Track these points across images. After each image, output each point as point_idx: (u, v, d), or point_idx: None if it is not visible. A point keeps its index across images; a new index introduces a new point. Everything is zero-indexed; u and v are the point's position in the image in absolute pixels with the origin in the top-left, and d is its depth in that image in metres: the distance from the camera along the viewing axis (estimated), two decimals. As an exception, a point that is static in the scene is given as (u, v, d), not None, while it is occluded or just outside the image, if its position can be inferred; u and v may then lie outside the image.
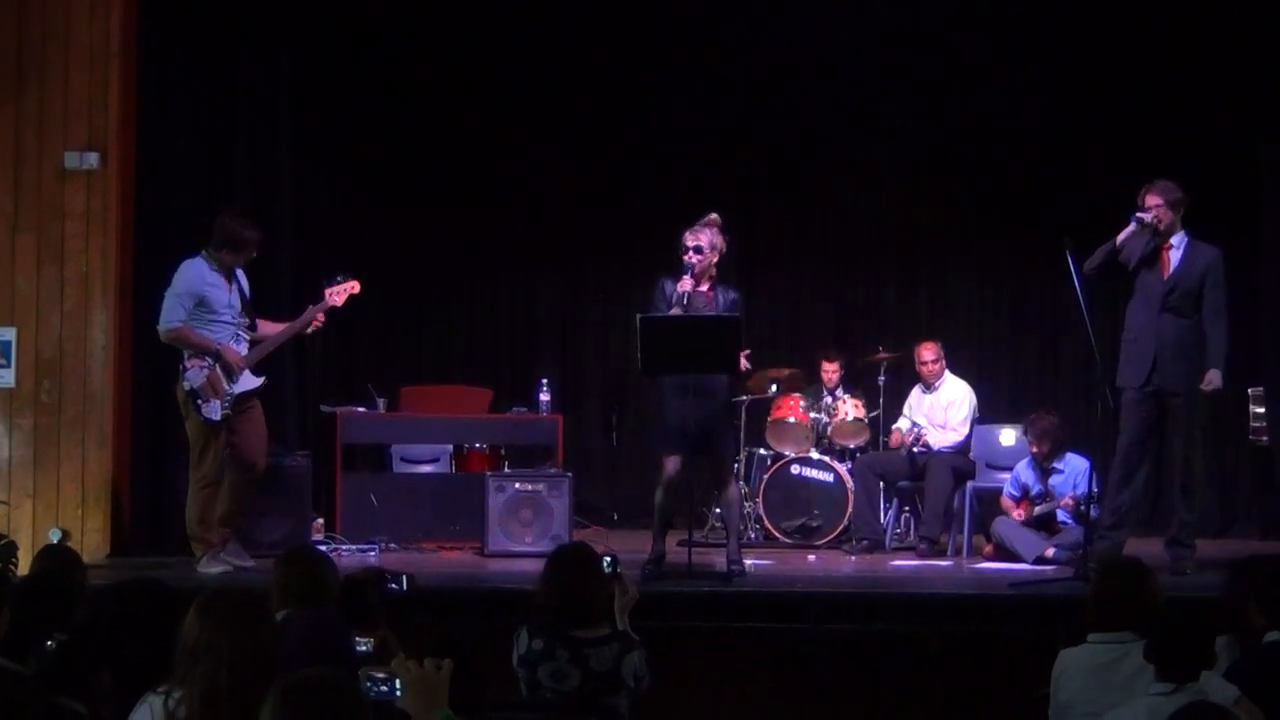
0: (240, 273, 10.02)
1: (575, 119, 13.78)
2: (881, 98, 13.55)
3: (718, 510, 12.46)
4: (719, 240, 9.68)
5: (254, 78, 11.74)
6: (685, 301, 9.45)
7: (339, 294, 10.23)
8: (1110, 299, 11.58)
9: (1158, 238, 9.71)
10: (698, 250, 9.57)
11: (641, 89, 13.59)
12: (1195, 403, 9.74)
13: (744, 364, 9.57)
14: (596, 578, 6.13)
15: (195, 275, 9.76)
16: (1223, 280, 9.72)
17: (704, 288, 9.61)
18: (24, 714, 3.72)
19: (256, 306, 10.21)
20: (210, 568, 9.65)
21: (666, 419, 9.62)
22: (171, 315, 9.74)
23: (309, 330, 10.26)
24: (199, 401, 9.72)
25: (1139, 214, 9.66)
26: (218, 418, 9.76)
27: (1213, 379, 9.64)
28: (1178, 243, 9.76)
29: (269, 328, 10.17)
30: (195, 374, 9.72)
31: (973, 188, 13.62)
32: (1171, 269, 9.72)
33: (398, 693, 4.11)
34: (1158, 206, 9.66)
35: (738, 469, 12.65)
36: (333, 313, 10.31)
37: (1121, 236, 9.71)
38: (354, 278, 10.28)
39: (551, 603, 6.02)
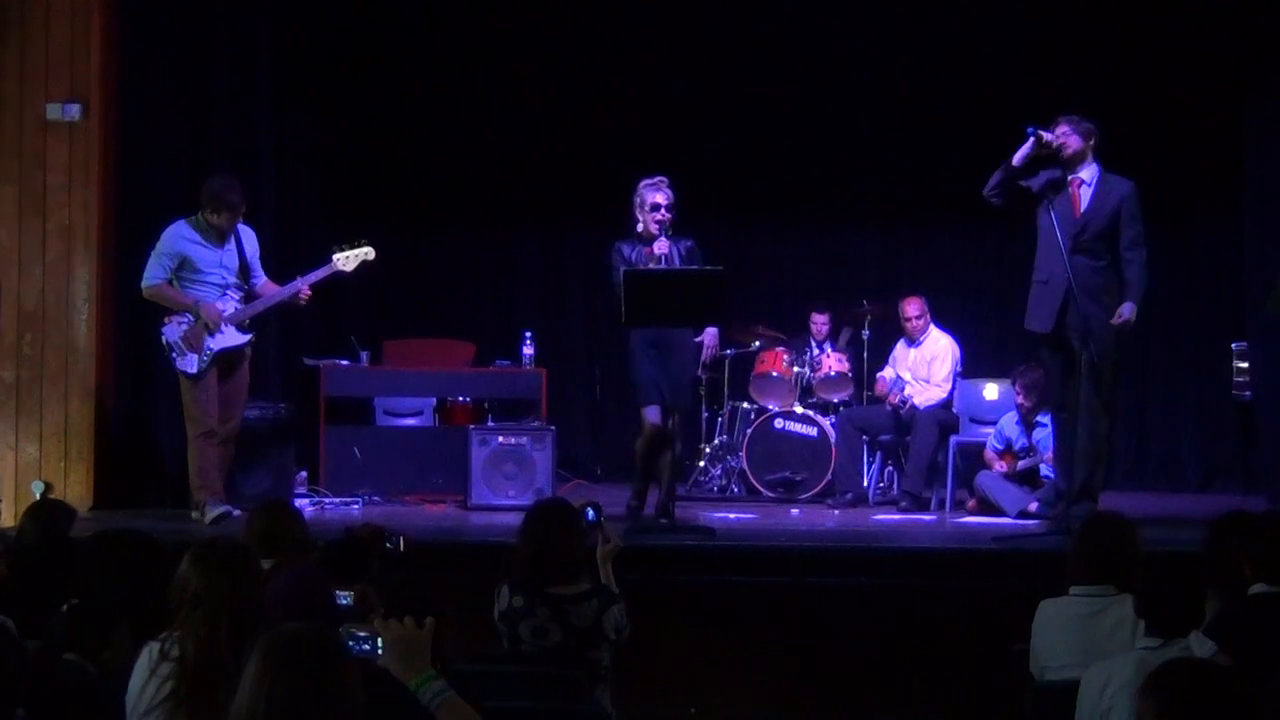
0: (248, 233, 10.13)
1: (557, 71, 13.72)
2: (864, 49, 13.47)
3: (701, 464, 12.53)
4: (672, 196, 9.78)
5: (234, 28, 11.67)
6: (664, 265, 9.50)
7: (350, 260, 10.19)
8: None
9: (1064, 169, 9.43)
10: (669, 209, 9.64)
11: (624, 42, 13.53)
12: (1106, 348, 9.33)
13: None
14: (575, 534, 6.13)
15: (177, 235, 9.90)
16: (1139, 213, 9.41)
17: (663, 243, 9.67)
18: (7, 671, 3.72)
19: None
20: (212, 511, 9.73)
21: (638, 372, 9.70)
22: (151, 274, 9.90)
23: (300, 297, 10.21)
24: (174, 355, 9.84)
25: (1039, 129, 9.30)
26: (194, 370, 9.85)
27: (1124, 312, 9.29)
28: (1089, 179, 9.46)
29: (269, 288, 10.22)
30: (172, 329, 9.87)
31: (957, 140, 13.58)
32: (1083, 207, 9.42)
33: (379, 651, 4.11)
34: (1064, 133, 9.37)
35: (721, 423, 12.73)
36: (317, 265, 10.25)
37: (1018, 155, 9.33)
38: (369, 243, 10.21)
39: (529, 559, 6.02)
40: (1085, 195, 9.48)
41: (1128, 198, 9.44)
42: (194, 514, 9.90)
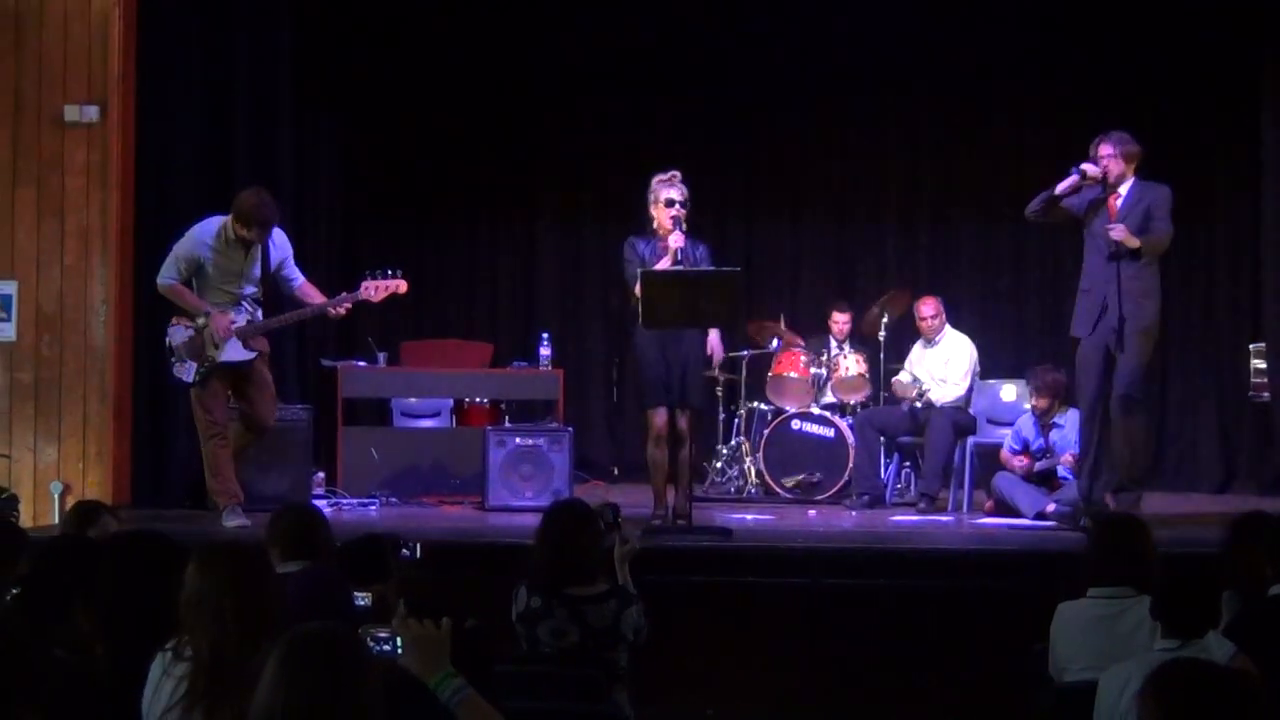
0: (280, 236, 9.95)
1: (576, 73, 13.72)
2: (881, 46, 13.47)
3: (718, 465, 12.52)
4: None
5: (254, 30, 11.70)
6: (680, 258, 9.46)
7: (379, 290, 10.02)
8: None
9: (1107, 189, 9.54)
10: (684, 204, 9.61)
11: (642, 42, 13.52)
12: (1147, 345, 9.54)
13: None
14: (592, 535, 6.12)
15: (198, 241, 9.74)
16: (1168, 214, 9.50)
17: (679, 236, 9.65)
18: (15, 667, 3.73)
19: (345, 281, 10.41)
20: (230, 520, 9.63)
21: (647, 373, 9.68)
22: (166, 273, 9.78)
23: (333, 313, 10.13)
24: (174, 360, 9.76)
25: (1082, 165, 9.46)
26: (190, 379, 9.75)
27: (1121, 231, 9.38)
28: (1125, 190, 9.55)
29: (307, 289, 10.08)
30: (178, 332, 9.76)
31: (975, 141, 13.58)
32: (1116, 215, 9.50)
33: (398, 651, 4.12)
34: (1109, 156, 9.46)
35: (737, 424, 12.72)
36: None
37: (1060, 187, 9.51)
38: (403, 276, 10.05)
39: (547, 560, 6.01)
40: (1118, 204, 9.56)
41: (1158, 201, 9.53)
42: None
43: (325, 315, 10.19)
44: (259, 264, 9.85)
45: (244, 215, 9.66)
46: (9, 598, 4.91)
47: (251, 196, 9.72)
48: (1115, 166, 9.50)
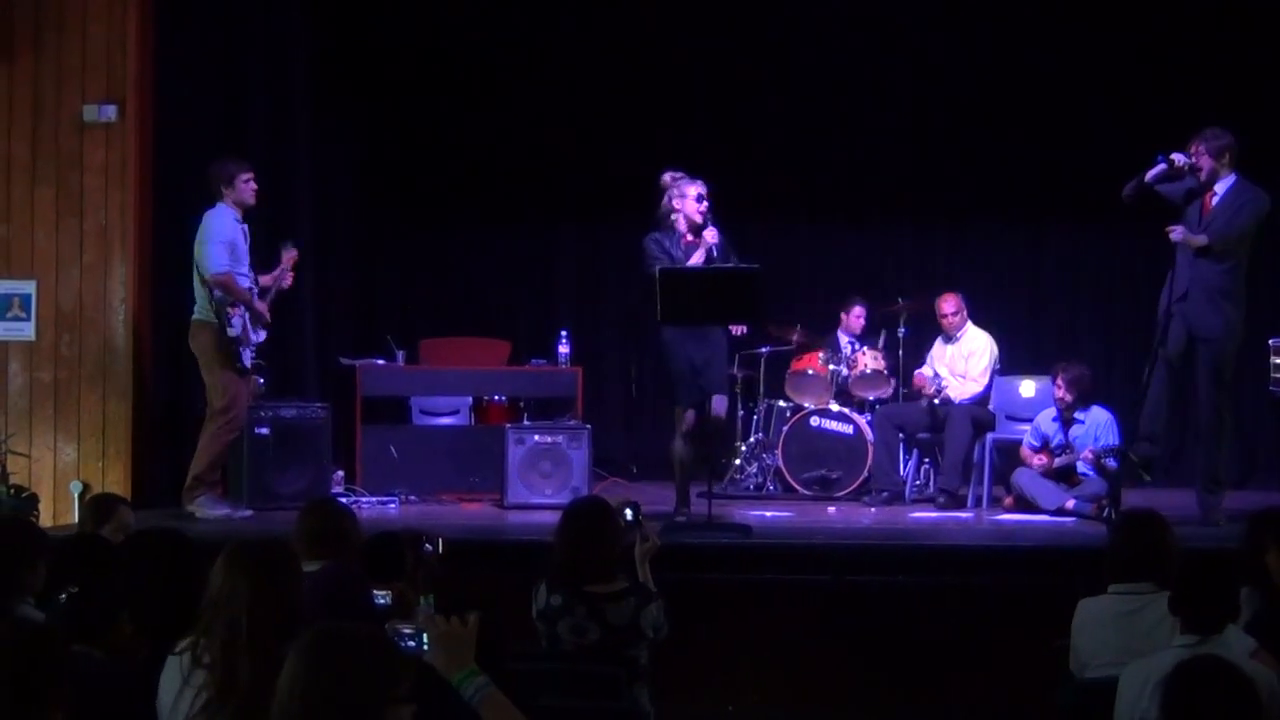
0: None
1: (595, 69, 13.71)
2: (902, 46, 13.48)
3: (737, 462, 12.51)
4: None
5: (270, 28, 11.72)
6: (713, 255, 9.50)
7: (288, 259, 10.37)
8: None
9: (1200, 184, 9.55)
10: (709, 199, 9.70)
11: (661, 40, 13.52)
12: (1224, 349, 9.61)
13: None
14: (611, 532, 6.12)
15: (226, 223, 9.90)
16: (1251, 216, 9.50)
17: (712, 231, 9.68)
18: (44, 666, 3.73)
19: (266, 262, 10.37)
20: (214, 510, 9.80)
21: (674, 370, 9.70)
22: (218, 261, 9.86)
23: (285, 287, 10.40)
24: (241, 348, 9.92)
25: (1171, 155, 9.46)
26: (249, 365, 10.01)
27: (1180, 232, 9.43)
28: (1221, 189, 9.57)
29: (265, 279, 10.30)
30: (238, 321, 9.90)
31: (995, 138, 13.54)
32: (1210, 209, 9.55)
33: (424, 647, 4.12)
34: (1198, 154, 9.48)
35: (757, 421, 12.72)
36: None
37: (1149, 175, 9.52)
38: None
39: (567, 558, 6.02)
40: (1214, 201, 9.59)
41: (1250, 202, 9.53)
42: (189, 507, 9.94)
43: (279, 290, 10.40)
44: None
45: (221, 175, 9.94)
46: (62, 599, 4.91)
47: (212, 164, 10.07)
48: (1205, 163, 9.52)
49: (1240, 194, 9.54)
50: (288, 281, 10.32)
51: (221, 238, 9.85)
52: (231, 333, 9.89)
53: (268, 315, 10.04)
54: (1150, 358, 9.58)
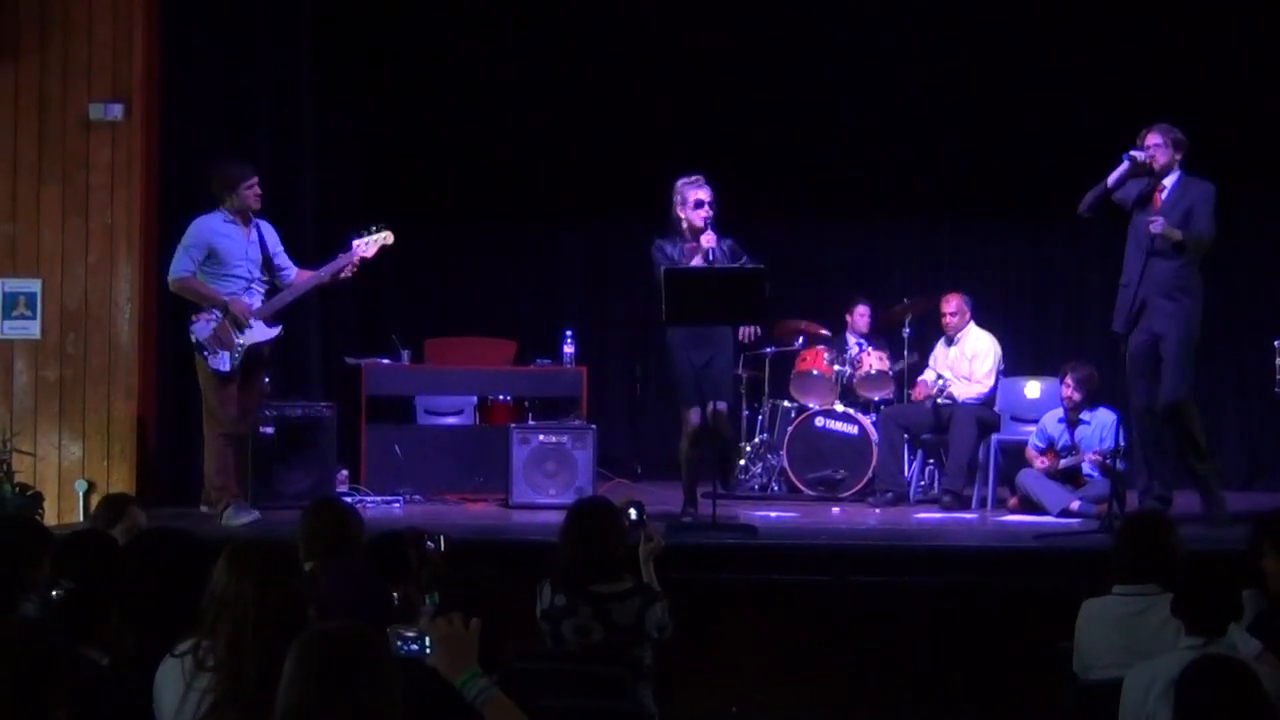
0: (266, 225, 9.99)
1: (601, 69, 13.72)
2: (907, 47, 13.47)
3: (742, 462, 12.51)
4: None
5: (276, 26, 11.72)
6: (711, 258, 9.51)
7: (370, 245, 10.04)
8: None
9: (1154, 179, 9.56)
10: (712, 204, 9.69)
11: (666, 36, 13.52)
12: (1185, 348, 9.61)
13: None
14: (616, 532, 6.13)
15: (206, 228, 9.76)
16: (1210, 212, 9.54)
17: (710, 236, 9.69)
18: (46, 665, 3.73)
19: (314, 257, 10.34)
20: (238, 518, 9.63)
21: (679, 371, 9.71)
22: (179, 266, 9.76)
23: (335, 280, 10.15)
24: (206, 354, 9.73)
25: (1132, 151, 9.51)
26: (226, 369, 9.74)
27: (1161, 224, 9.40)
28: (1170, 183, 9.58)
29: (302, 275, 10.11)
30: (202, 326, 9.73)
31: (998, 139, 13.54)
32: (1159, 208, 9.55)
33: (427, 650, 4.12)
34: (1155, 145, 9.51)
35: (761, 422, 12.72)
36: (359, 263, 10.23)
37: (1113, 177, 9.56)
38: (388, 228, 10.08)
39: (571, 558, 6.03)
40: (1163, 197, 9.59)
41: (1201, 197, 9.55)
42: (204, 508, 9.89)
43: (336, 282, 10.20)
44: (259, 246, 9.92)
45: (223, 181, 9.78)
46: (55, 596, 4.92)
47: (218, 166, 9.92)
48: (1162, 155, 9.54)
49: (1188, 187, 9.58)
50: (347, 272, 10.08)
51: (192, 243, 9.72)
52: (194, 337, 9.75)
53: (251, 315, 9.75)
54: (1126, 420, 9.79)
